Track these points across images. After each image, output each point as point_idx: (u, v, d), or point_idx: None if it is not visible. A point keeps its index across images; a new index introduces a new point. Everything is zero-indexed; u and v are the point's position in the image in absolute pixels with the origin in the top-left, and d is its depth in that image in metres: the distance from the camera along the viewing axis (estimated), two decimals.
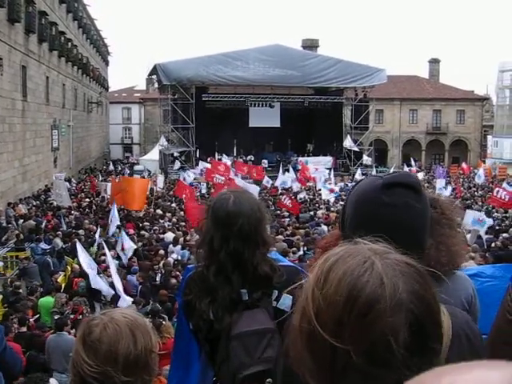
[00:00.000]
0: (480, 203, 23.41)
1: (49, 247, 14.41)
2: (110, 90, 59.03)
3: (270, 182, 28.12)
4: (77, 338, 1.62)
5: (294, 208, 19.89)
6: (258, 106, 38.69)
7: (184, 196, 20.92)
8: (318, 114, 39.66)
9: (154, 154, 38.26)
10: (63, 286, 11.65)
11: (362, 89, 38.44)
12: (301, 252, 13.31)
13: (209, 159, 32.78)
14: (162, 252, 13.55)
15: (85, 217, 19.13)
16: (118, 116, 58.15)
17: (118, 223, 15.87)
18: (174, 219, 18.61)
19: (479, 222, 14.89)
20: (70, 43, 34.71)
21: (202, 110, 35.84)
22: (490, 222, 15.60)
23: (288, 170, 29.82)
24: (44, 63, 28.19)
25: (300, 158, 36.33)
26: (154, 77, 40.20)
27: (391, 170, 25.33)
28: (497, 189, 19.08)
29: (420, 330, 0.87)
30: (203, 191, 25.53)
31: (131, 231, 16.68)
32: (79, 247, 10.78)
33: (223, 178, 24.20)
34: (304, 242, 14.14)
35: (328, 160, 37.10)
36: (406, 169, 34.86)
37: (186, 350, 2.35)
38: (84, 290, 10.74)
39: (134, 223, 17.88)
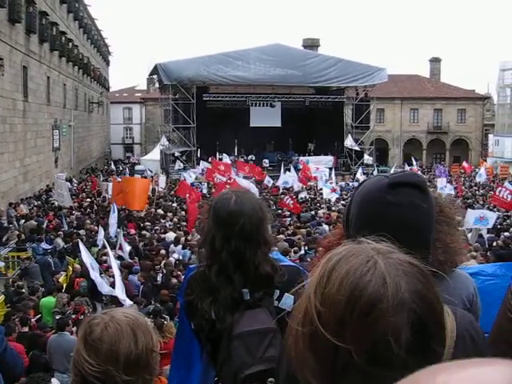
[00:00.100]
0: (481, 202, 23.42)
1: (50, 247, 14.42)
2: (110, 90, 59.08)
3: (271, 181, 28.13)
4: (78, 338, 1.62)
5: (296, 208, 19.89)
6: (259, 105, 38.71)
7: (188, 195, 20.89)
8: (318, 113, 39.67)
9: (155, 154, 38.29)
10: (65, 286, 11.66)
11: (362, 88, 38.43)
12: (302, 251, 13.31)
13: (210, 159, 32.80)
14: (163, 252, 13.55)
15: (86, 217, 19.16)
16: (119, 116, 58.19)
17: (115, 224, 15.74)
18: (176, 219, 18.61)
19: (481, 221, 14.82)
20: (70, 43, 34.73)
21: (203, 109, 35.85)
22: (492, 216, 15.39)
23: (289, 170, 29.83)
24: (45, 63, 28.21)
25: (301, 158, 36.32)
26: (155, 77, 40.21)
27: (392, 170, 25.39)
28: (499, 188, 19.01)
29: (422, 329, 0.87)
30: (204, 191, 25.52)
31: (132, 231, 16.69)
32: (82, 248, 10.76)
33: (224, 178, 24.19)
34: (305, 242, 14.15)
35: (329, 159, 37.10)
36: (407, 168, 34.86)
37: (187, 349, 2.35)
38: (85, 290, 10.75)
39: (135, 223, 17.90)
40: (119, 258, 13.02)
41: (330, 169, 33.20)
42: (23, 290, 10.87)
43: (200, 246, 2.12)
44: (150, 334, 1.59)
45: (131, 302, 9.34)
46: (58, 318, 8.69)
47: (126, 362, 1.51)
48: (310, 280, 0.94)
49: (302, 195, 24.87)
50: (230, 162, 31.38)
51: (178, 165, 35.01)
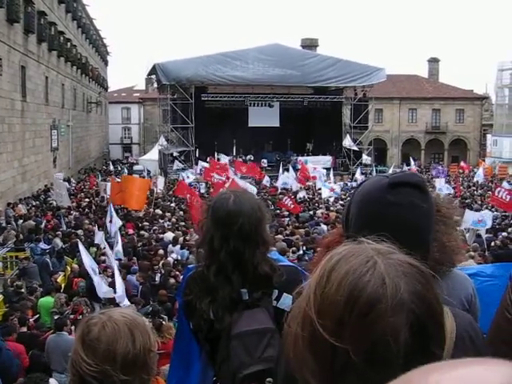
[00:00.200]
0: (479, 202, 23.44)
1: (48, 247, 14.40)
2: (109, 90, 59.04)
3: (270, 181, 28.12)
4: (76, 338, 1.62)
5: (295, 208, 19.88)
6: (258, 105, 38.72)
7: (188, 195, 20.86)
8: (317, 113, 39.69)
9: (153, 154, 38.30)
10: (63, 286, 11.64)
11: (361, 88, 38.47)
12: (300, 252, 13.31)
13: (208, 159, 32.80)
14: (161, 252, 13.55)
15: (84, 217, 19.14)
16: (118, 116, 58.16)
17: (115, 223, 15.68)
18: (174, 219, 18.61)
19: (478, 224, 14.87)
20: (69, 43, 34.70)
21: (202, 109, 35.84)
22: (489, 216, 15.47)
23: (288, 170, 29.86)
24: (43, 63, 28.18)
25: (299, 158, 36.34)
26: (154, 77, 40.24)
27: (390, 170, 25.41)
28: (498, 188, 19.00)
29: (421, 330, 0.86)
30: (202, 191, 25.51)
31: (131, 231, 16.68)
32: (82, 250, 10.73)
33: (222, 178, 24.18)
34: (303, 242, 14.15)
35: (327, 159, 37.13)
36: (406, 168, 34.89)
37: (186, 349, 2.35)
38: (84, 290, 10.73)
39: (133, 223, 17.89)
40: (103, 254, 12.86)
41: (329, 169, 33.23)
42: (22, 290, 10.85)
43: (198, 245, 2.12)
44: (147, 334, 1.59)
45: (128, 303, 9.34)
46: (56, 318, 8.68)
47: (123, 361, 1.51)
48: (309, 280, 0.94)
49: (301, 195, 24.87)
50: (228, 162, 31.39)
51: (177, 165, 35.02)
